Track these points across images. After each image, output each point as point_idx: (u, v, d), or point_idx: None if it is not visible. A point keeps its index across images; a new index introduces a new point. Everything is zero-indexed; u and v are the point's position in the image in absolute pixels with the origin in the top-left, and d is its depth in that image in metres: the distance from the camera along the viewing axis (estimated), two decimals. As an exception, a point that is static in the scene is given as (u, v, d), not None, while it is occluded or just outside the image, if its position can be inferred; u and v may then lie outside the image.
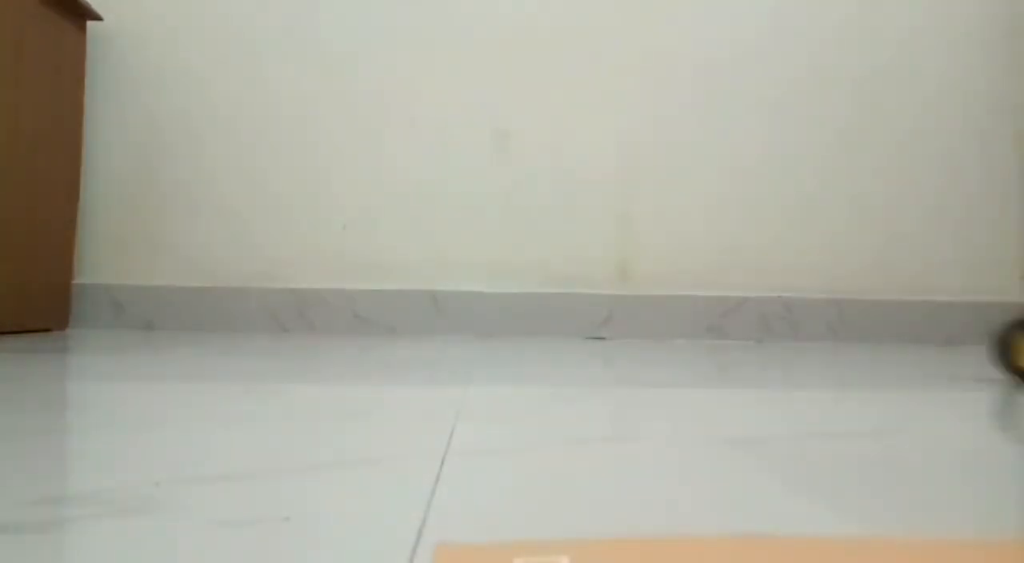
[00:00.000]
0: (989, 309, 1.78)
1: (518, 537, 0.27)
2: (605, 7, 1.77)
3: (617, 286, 1.75)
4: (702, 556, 0.26)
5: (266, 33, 1.73)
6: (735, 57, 1.78)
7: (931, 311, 1.78)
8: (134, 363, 0.90)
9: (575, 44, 1.77)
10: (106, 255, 1.70)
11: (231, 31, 1.72)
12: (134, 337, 1.40)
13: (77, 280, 1.66)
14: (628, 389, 0.75)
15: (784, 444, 0.47)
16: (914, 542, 0.28)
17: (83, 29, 1.60)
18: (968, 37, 1.82)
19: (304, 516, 0.29)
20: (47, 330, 1.52)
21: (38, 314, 1.48)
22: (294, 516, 0.29)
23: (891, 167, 1.81)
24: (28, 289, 1.43)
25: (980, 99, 1.82)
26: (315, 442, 0.44)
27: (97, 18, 1.61)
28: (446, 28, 1.75)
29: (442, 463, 0.39)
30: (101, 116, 1.69)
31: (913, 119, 1.81)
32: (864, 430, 0.53)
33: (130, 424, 0.49)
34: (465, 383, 0.76)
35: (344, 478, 0.36)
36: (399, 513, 0.30)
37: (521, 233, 1.75)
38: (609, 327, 1.73)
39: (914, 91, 1.81)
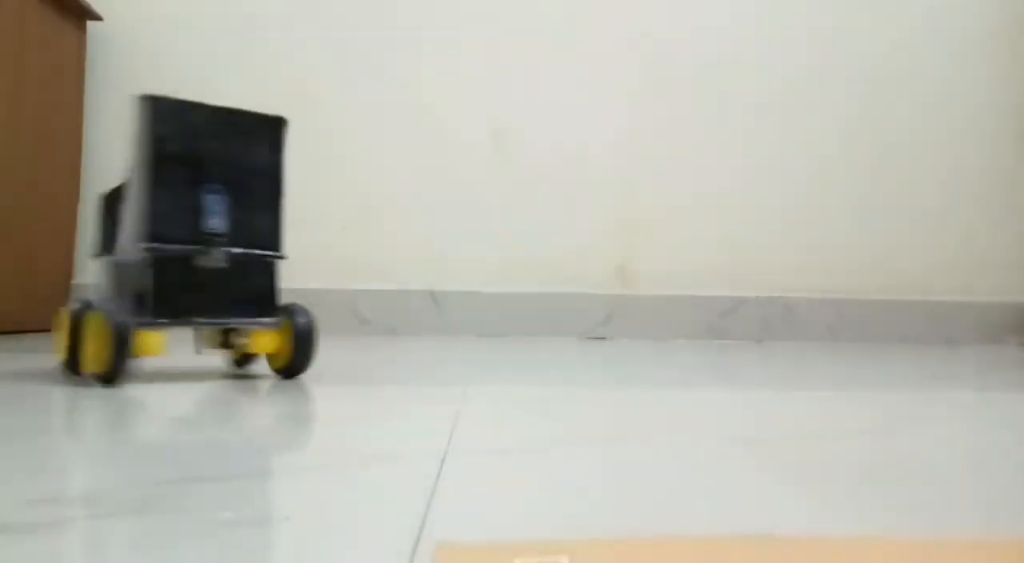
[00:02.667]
0: (989, 309, 1.79)
1: (518, 537, 0.27)
2: (607, 6, 1.77)
3: (617, 286, 1.75)
4: (702, 556, 0.26)
5: (265, 33, 1.73)
6: (735, 57, 1.78)
7: (931, 311, 1.78)
8: (133, 363, 0.90)
9: (576, 44, 1.77)
10: (106, 255, 1.69)
11: (231, 31, 1.72)
12: (134, 337, 1.40)
13: (77, 280, 1.66)
14: (628, 389, 0.75)
15: (784, 444, 0.47)
16: (914, 542, 0.28)
17: (83, 29, 1.60)
18: (968, 37, 1.82)
19: (304, 516, 0.29)
20: (47, 330, 1.53)
21: (38, 314, 1.48)
22: (294, 516, 0.29)
23: (891, 167, 1.81)
24: (28, 289, 1.43)
25: (980, 99, 1.82)
26: (315, 442, 0.44)
27: (97, 18, 1.61)
28: (445, 27, 1.75)
29: (442, 463, 0.39)
30: (101, 116, 1.69)
31: (913, 119, 1.81)
32: (864, 430, 0.53)
33: (130, 424, 0.49)
34: (465, 383, 0.76)
35: (344, 478, 0.36)
36: (399, 513, 0.30)
37: (521, 233, 1.75)
38: (609, 327, 1.73)
39: (914, 91, 1.81)
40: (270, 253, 0.78)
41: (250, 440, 0.44)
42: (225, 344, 0.79)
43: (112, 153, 1.70)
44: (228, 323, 0.76)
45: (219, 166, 0.76)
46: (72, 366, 0.75)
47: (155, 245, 0.72)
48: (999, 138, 1.82)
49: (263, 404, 0.61)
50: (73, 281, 1.64)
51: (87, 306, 0.74)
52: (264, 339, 0.76)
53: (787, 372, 0.97)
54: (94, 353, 0.70)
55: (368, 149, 1.75)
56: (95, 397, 0.62)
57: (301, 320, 0.77)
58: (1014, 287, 1.81)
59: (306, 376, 0.78)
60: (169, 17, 1.71)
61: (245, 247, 0.76)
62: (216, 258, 0.74)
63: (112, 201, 0.80)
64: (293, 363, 0.76)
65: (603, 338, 1.71)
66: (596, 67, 1.78)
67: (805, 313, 1.75)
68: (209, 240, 0.73)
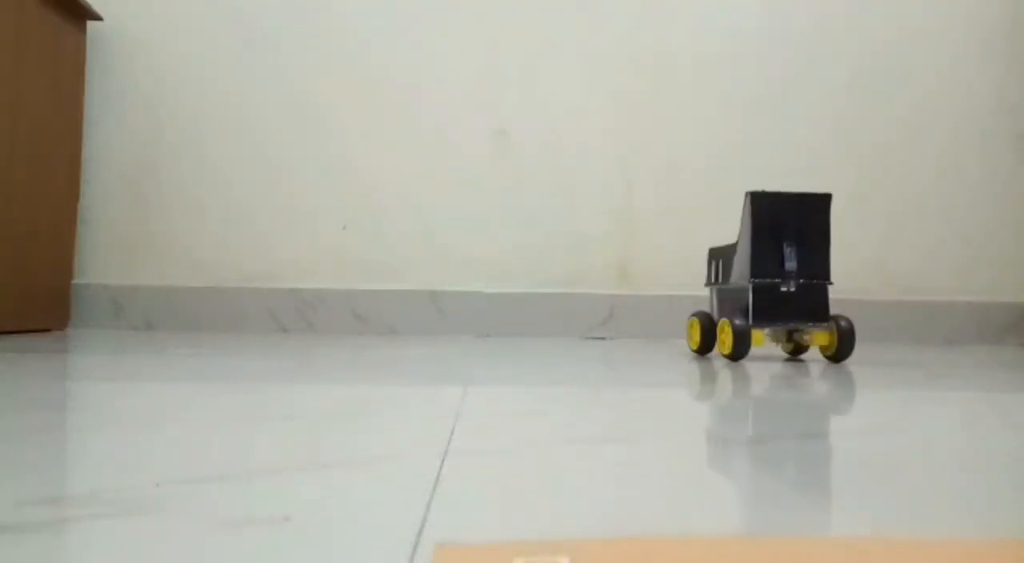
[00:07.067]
0: (989, 309, 1.79)
1: (518, 537, 0.27)
2: (606, 5, 1.77)
3: (617, 286, 1.75)
4: (702, 556, 0.26)
5: (266, 33, 1.73)
6: (735, 55, 1.78)
7: (931, 311, 1.78)
8: (134, 363, 0.90)
9: (576, 42, 1.77)
10: (106, 255, 1.70)
11: (231, 31, 1.72)
12: (134, 337, 1.40)
13: (77, 280, 1.67)
14: (628, 389, 0.75)
15: (784, 444, 0.47)
16: (914, 542, 0.28)
17: (83, 29, 1.60)
18: (968, 37, 1.82)
19: (304, 516, 0.29)
20: (47, 330, 1.53)
21: (38, 314, 1.48)
22: (294, 516, 0.29)
23: (891, 167, 1.81)
24: (28, 289, 1.43)
25: (980, 99, 1.82)
26: (315, 442, 0.44)
27: (97, 18, 1.61)
28: (445, 28, 1.75)
29: (442, 463, 0.39)
30: (101, 116, 1.69)
31: (913, 119, 1.81)
32: (864, 430, 0.53)
33: (130, 424, 0.49)
34: (465, 383, 0.76)
35: (344, 478, 0.36)
36: (399, 513, 0.30)
37: (521, 233, 1.75)
38: (609, 327, 1.73)
39: (914, 90, 1.81)
40: (822, 281, 1.16)
41: (250, 440, 0.45)
42: (790, 339, 1.21)
43: (112, 153, 1.70)
44: (796, 325, 1.16)
45: (791, 229, 1.15)
46: (701, 352, 1.25)
47: (756, 280, 1.14)
48: (998, 138, 1.82)
49: (263, 405, 0.61)
50: (73, 281, 1.64)
51: (707, 315, 1.24)
52: (820, 336, 1.15)
53: (787, 372, 0.97)
54: (725, 344, 1.14)
55: (368, 149, 1.75)
56: (94, 397, 0.62)
57: (844, 324, 1.14)
58: (1014, 287, 1.81)
59: (306, 376, 0.78)
60: (169, 17, 1.71)
61: (807, 278, 1.15)
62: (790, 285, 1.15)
63: (718, 253, 1.26)
64: (839, 352, 1.14)
65: (603, 338, 1.71)
66: (596, 66, 1.78)
67: (805, 313, 1.75)
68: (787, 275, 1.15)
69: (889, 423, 0.57)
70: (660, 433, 0.50)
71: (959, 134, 1.81)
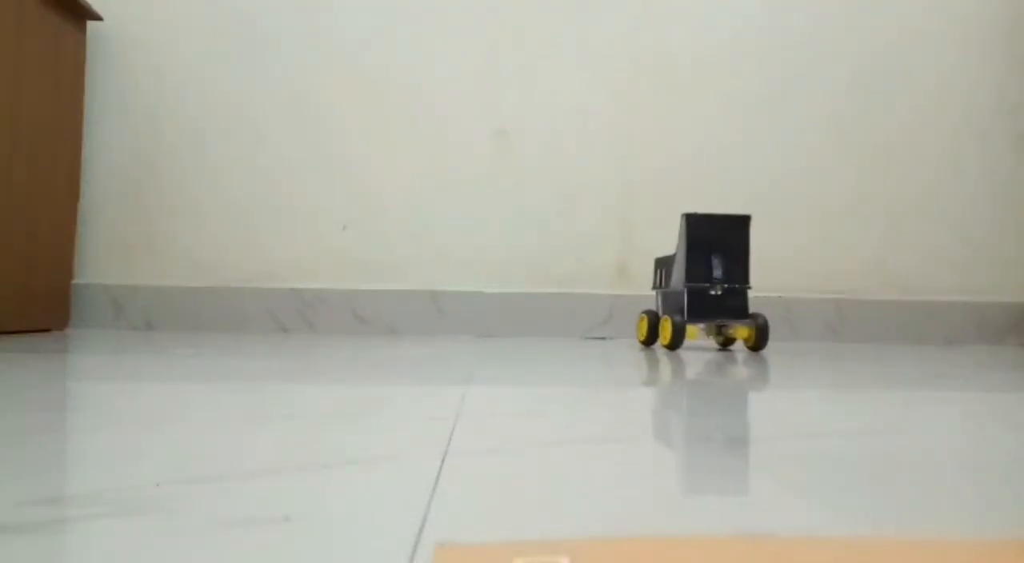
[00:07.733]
0: (989, 309, 1.79)
1: (518, 537, 0.27)
2: (606, 5, 1.77)
3: (617, 286, 1.75)
4: (702, 556, 0.26)
5: (266, 33, 1.73)
6: (735, 55, 1.78)
7: (931, 311, 1.78)
8: (134, 363, 0.90)
9: (576, 42, 1.77)
10: (106, 255, 1.70)
11: (231, 32, 1.72)
12: (134, 337, 1.40)
13: (77, 280, 1.66)
14: (628, 389, 0.75)
15: (784, 444, 0.47)
16: (914, 542, 0.28)
17: (83, 29, 1.60)
18: (968, 37, 1.82)
19: (304, 516, 0.29)
20: (47, 330, 1.53)
21: (38, 314, 1.48)
22: (294, 516, 0.29)
23: (891, 167, 1.81)
24: (28, 289, 1.43)
25: (980, 99, 1.82)
26: (315, 442, 0.44)
27: (97, 18, 1.61)
28: (445, 28, 1.75)
29: (442, 463, 0.39)
30: (101, 116, 1.69)
31: (913, 118, 1.81)
32: (864, 430, 0.53)
33: (130, 424, 0.49)
34: (465, 383, 0.76)
35: (344, 478, 0.36)
36: (399, 513, 0.30)
37: (521, 233, 1.75)
38: (609, 327, 1.73)
39: (914, 91, 1.81)
40: (743, 286, 1.37)
41: (249, 440, 0.45)
42: (720, 333, 1.42)
43: (112, 153, 1.70)
44: (722, 321, 1.36)
45: (718, 244, 1.36)
46: (647, 344, 1.45)
47: (689, 284, 1.36)
48: (998, 138, 1.82)
49: (263, 405, 0.61)
50: (73, 281, 1.64)
51: (654, 313, 1.44)
52: (742, 330, 1.35)
53: (787, 372, 0.97)
54: (665, 336, 1.34)
55: (368, 149, 1.75)
56: (94, 397, 0.62)
57: (761, 320, 1.34)
58: (1014, 287, 1.81)
59: (306, 376, 0.78)
60: (169, 17, 1.71)
61: (730, 283, 1.37)
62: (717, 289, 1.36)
63: (662, 262, 1.47)
64: (757, 343, 1.35)
65: (603, 338, 1.71)
66: (596, 66, 1.78)
67: (805, 313, 1.76)
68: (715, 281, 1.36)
69: (889, 423, 0.57)
70: (660, 433, 0.50)
71: (959, 134, 1.81)
